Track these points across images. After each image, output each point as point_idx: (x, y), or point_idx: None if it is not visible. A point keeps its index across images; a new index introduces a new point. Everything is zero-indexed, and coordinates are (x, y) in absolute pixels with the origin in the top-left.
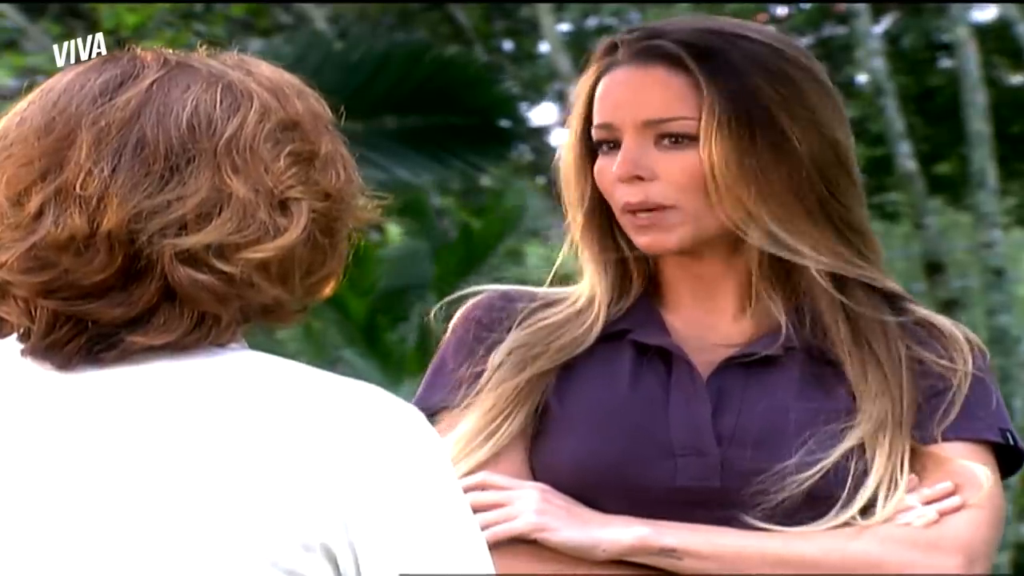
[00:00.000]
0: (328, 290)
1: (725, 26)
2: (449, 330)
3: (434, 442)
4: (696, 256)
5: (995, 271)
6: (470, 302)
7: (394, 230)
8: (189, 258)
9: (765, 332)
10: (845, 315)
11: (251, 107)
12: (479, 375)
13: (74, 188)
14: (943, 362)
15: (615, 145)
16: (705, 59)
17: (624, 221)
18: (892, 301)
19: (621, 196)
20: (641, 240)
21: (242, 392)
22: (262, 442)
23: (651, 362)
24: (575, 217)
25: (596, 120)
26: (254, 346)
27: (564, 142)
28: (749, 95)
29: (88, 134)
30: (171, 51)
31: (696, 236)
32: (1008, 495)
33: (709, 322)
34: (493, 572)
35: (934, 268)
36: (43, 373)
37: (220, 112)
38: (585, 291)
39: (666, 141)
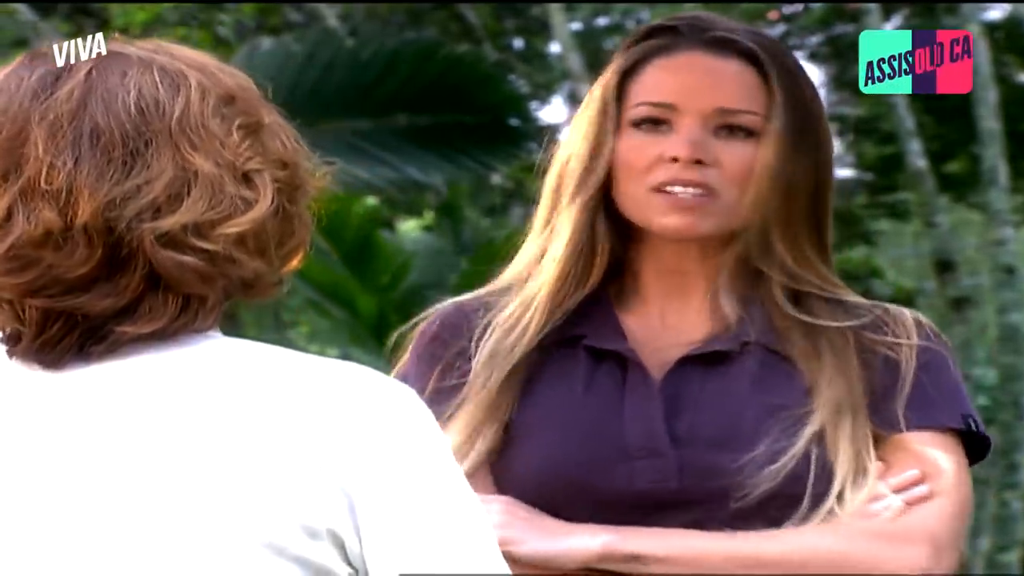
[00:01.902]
0: (298, 261)
1: (756, 29)
2: (409, 348)
3: (429, 420)
4: (689, 250)
5: (1006, 269)
6: (426, 319)
7: (405, 227)
8: (169, 241)
9: (720, 330)
10: (798, 321)
11: (190, 86)
12: (437, 391)
13: (39, 184)
14: (888, 339)
15: (660, 125)
16: (773, 59)
17: (653, 201)
18: (848, 307)
19: (666, 174)
20: (671, 220)
21: (233, 379)
22: (258, 428)
23: (607, 366)
24: (572, 195)
25: (647, 98)
26: (263, 343)
27: (581, 119)
28: (803, 100)
29: (40, 129)
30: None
31: (721, 228)
32: (1018, 493)
33: (670, 321)
34: (498, 549)
35: (945, 266)
36: (30, 374)
37: (164, 94)
38: (538, 280)
39: (724, 131)
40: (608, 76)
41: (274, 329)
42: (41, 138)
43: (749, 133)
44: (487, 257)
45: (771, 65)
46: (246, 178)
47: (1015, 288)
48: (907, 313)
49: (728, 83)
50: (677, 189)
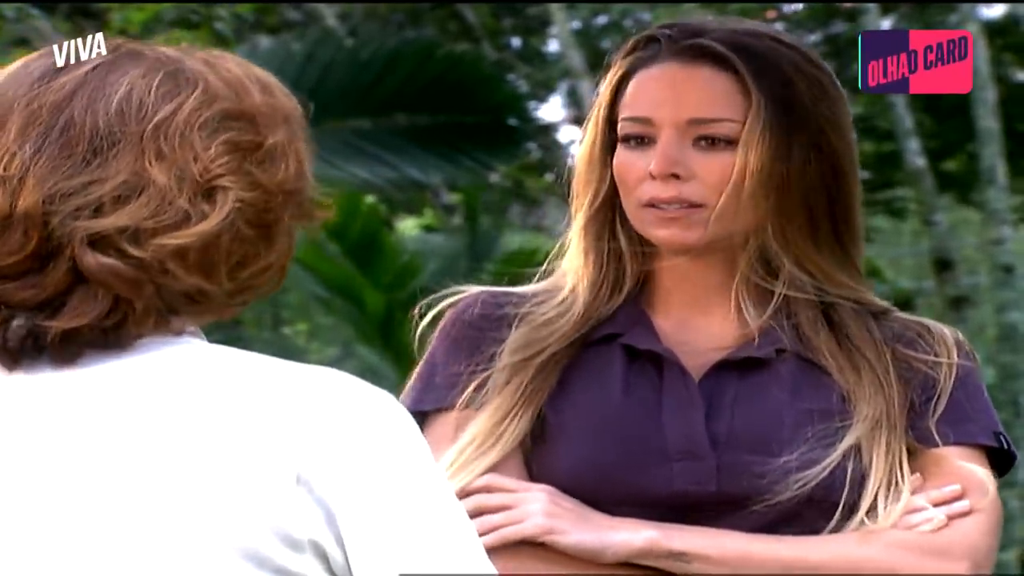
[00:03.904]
0: (268, 284)
1: (759, 28)
2: (439, 331)
3: (409, 425)
4: (696, 258)
5: (1004, 268)
6: (458, 303)
7: (404, 226)
8: (99, 242)
9: (752, 336)
10: (828, 325)
11: (192, 93)
12: (472, 376)
13: None
14: (929, 358)
15: (644, 140)
16: (752, 61)
17: (644, 215)
18: (876, 315)
19: (648, 192)
20: (661, 233)
21: (206, 385)
22: (229, 436)
23: (642, 366)
24: (584, 209)
25: (628, 113)
26: (262, 341)
27: (585, 133)
28: (791, 99)
29: (19, 117)
30: (126, 40)
31: (713, 236)
32: (1016, 492)
33: (697, 325)
34: (484, 553)
35: (944, 265)
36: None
37: (153, 97)
38: (572, 286)
39: (703, 142)
40: (602, 91)
41: (272, 328)
42: (16, 125)
43: (728, 142)
44: (493, 258)
45: (747, 67)
46: (209, 193)
47: (1013, 287)
48: (947, 331)
49: (700, 92)
50: (662, 206)
